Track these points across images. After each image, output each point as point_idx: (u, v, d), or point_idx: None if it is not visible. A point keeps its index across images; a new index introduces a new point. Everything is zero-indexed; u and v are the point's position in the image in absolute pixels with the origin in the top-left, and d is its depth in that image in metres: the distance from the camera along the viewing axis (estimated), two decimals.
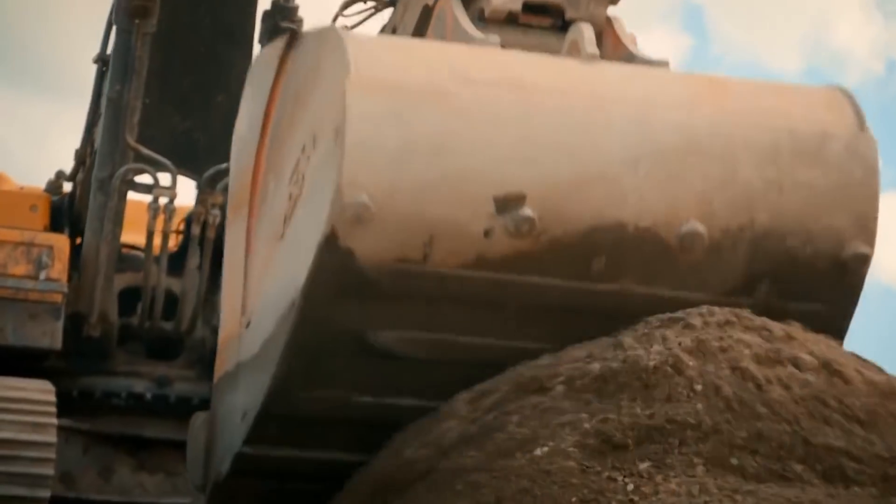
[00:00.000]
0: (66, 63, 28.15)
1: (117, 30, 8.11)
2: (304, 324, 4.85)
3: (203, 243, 8.43)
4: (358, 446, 5.23)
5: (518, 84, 4.85)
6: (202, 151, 8.56)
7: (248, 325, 5.43)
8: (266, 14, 8.50)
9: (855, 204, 5.08)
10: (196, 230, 8.45)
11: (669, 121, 4.92)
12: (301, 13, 8.49)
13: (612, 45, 5.38)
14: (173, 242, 8.57)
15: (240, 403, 5.41)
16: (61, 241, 8.29)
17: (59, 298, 8.08)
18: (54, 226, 8.75)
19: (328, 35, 5.04)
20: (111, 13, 8.38)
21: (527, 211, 4.76)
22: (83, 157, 8.75)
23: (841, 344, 5.06)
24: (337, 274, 4.73)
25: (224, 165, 8.50)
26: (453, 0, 5.33)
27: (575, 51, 5.22)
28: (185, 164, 8.36)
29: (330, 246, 4.67)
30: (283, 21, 8.33)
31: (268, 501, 5.65)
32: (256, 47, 8.56)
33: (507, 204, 4.76)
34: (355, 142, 4.61)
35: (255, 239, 5.56)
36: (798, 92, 5.24)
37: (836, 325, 5.16)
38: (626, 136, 4.85)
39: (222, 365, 5.79)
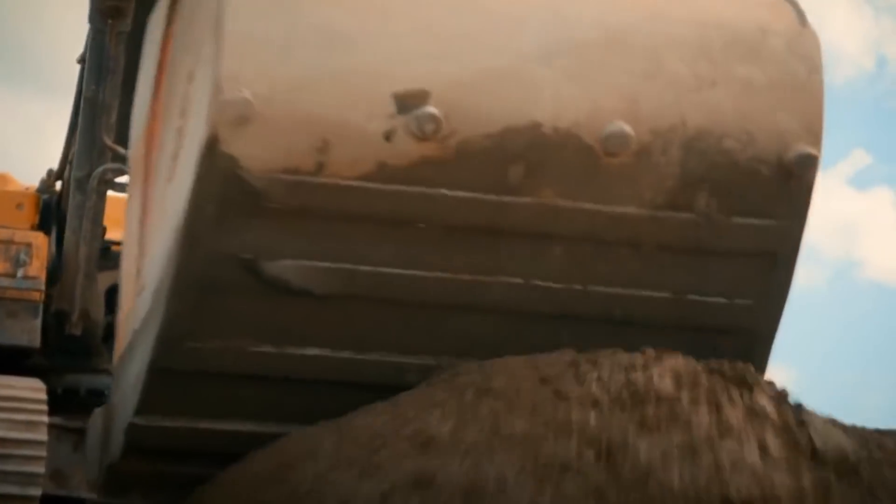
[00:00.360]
0: (64, 62, 28.35)
1: (92, 29, 7.96)
2: (189, 251, 4.44)
3: None
4: (266, 414, 4.78)
5: None
6: None
7: (141, 291, 4.97)
8: None
9: (798, 103, 4.62)
10: None
11: (588, 12, 4.53)
12: None
13: None
14: None
15: (133, 373, 4.96)
16: (40, 239, 8.14)
17: (37, 296, 7.95)
18: (43, 224, 8.61)
19: None
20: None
21: (431, 109, 4.38)
22: (68, 155, 8.61)
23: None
24: (221, 186, 4.33)
25: None
26: None
27: None
28: None
29: (211, 152, 4.27)
30: None
31: (165, 491, 5.15)
32: None
33: (408, 102, 4.37)
34: (234, 31, 4.25)
35: (150, 201, 5.16)
36: None
37: (787, 246, 4.71)
38: (539, 27, 4.45)
39: (120, 344, 5.34)
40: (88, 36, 8.30)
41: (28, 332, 7.91)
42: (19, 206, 8.71)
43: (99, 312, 8.18)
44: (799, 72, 4.63)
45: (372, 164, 4.44)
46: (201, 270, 4.50)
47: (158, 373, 4.70)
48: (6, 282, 7.88)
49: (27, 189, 9.27)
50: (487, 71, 4.44)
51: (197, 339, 4.64)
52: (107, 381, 8.27)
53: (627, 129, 4.50)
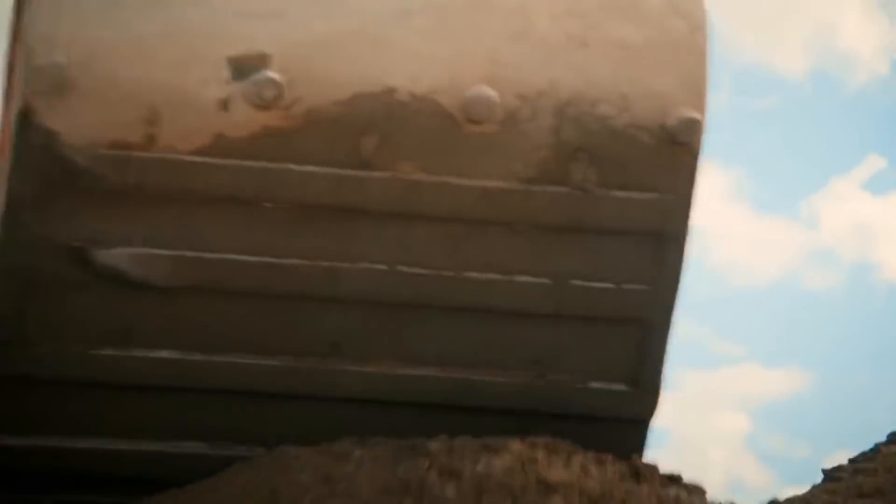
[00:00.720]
0: None
1: None
2: (10, 238, 3.99)
3: None
4: (119, 429, 4.32)
5: None
6: None
7: None
8: None
9: (679, 64, 4.22)
10: None
11: None
12: None
13: None
14: None
15: None
16: None
17: None
18: None
19: None
20: None
21: (271, 74, 3.96)
22: None
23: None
24: (39, 164, 3.89)
25: None
26: None
27: None
28: None
29: (26, 125, 3.84)
30: None
31: None
32: None
33: (245, 66, 3.96)
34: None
35: None
36: None
37: (675, 223, 4.29)
38: None
39: None
40: None
41: None
42: None
43: None
44: (679, 30, 4.24)
45: (208, 136, 4.01)
46: (24, 261, 4.04)
47: None
48: None
49: None
50: (336, 31, 4.04)
51: (26, 342, 4.17)
52: None
53: (491, 93, 4.09)
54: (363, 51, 4.03)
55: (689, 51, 4.22)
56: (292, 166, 4.08)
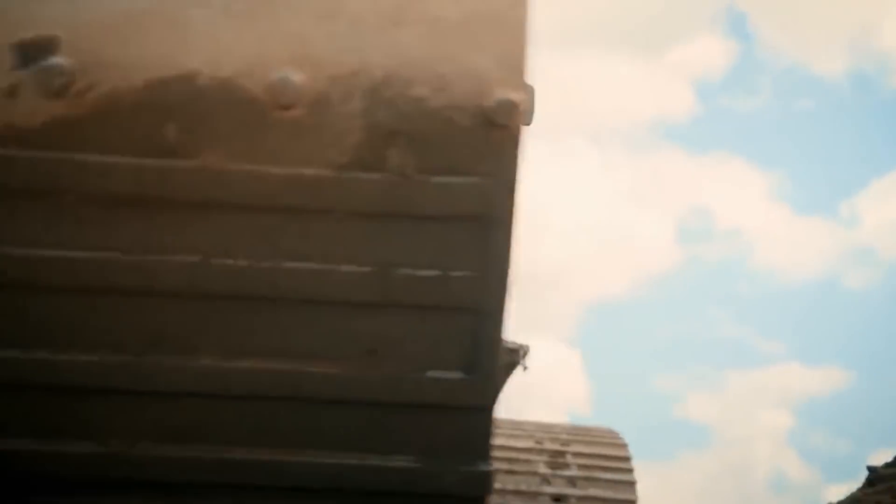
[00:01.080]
0: None
1: None
2: None
3: None
4: None
5: None
6: None
7: None
8: None
9: (498, 41, 4.01)
10: None
11: None
12: None
13: None
14: None
15: None
16: None
17: None
18: None
19: None
20: None
21: (60, 59, 3.75)
22: None
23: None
24: None
25: None
26: None
27: None
28: None
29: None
30: None
31: None
32: None
33: (31, 52, 3.75)
34: None
35: None
36: None
37: (498, 208, 4.12)
38: None
39: None
40: None
41: None
42: None
43: None
44: (498, 5, 4.05)
45: None
46: None
47: None
48: None
49: None
50: (131, 11, 3.82)
51: None
52: None
53: (299, 76, 3.89)
54: (161, 33, 3.83)
55: (508, 27, 4.01)
56: (90, 156, 3.88)
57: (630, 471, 13.13)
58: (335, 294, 4.21)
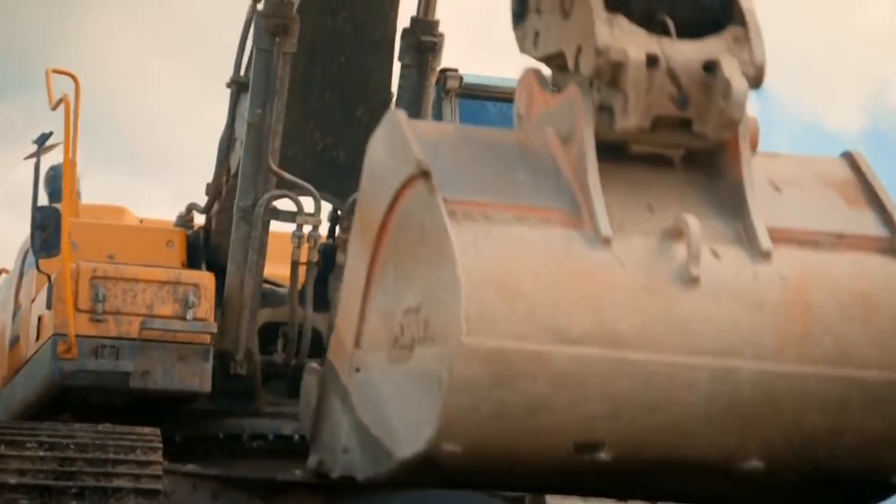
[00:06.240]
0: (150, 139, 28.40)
1: (257, 50, 7.63)
2: None
3: None
4: None
5: (611, 339, 4.56)
6: (343, 170, 7.95)
7: (356, 370, 5.14)
8: (406, 31, 7.97)
9: None
10: (341, 259, 7.86)
11: (749, 374, 4.60)
12: (441, 28, 7.99)
13: (727, 161, 4.79)
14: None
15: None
16: (206, 279, 7.79)
17: (207, 339, 7.62)
18: (191, 261, 8.32)
19: (438, 225, 4.59)
20: (242, 35, 8.02)
21: (603, 455, 4.55)
22: (218, 188, 8.30)
23: None
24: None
25: None
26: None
27: (678, 235, 4.62)
28: (325, 184, 7.84)
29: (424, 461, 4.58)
30: (424, 36, 7.90)
31: None
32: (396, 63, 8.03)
33: (585, 450, 4.55)
34: (452, 405, 4.44)
35: (373, 287, 5.18)
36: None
37: None
38: (707, 392, 4.56)
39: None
40: (241, 58, 8.07)
41: (199, 376, 7.55)
42: (169, 243, 8.39)
43: (257, 352, 7.87)
44: None
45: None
46: None
47: None
48: (176, 324, 7.53)
49: (142, 222, 9.07)
50: (656, 427, 4.60)
51: None
52: (270, 425, 7.99)
53: (761, 465, 4.68)
54: (673, 439, 4.57)
55: None
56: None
57: None
58: None
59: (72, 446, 6.85)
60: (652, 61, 4.54)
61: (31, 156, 8.49)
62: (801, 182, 4.95)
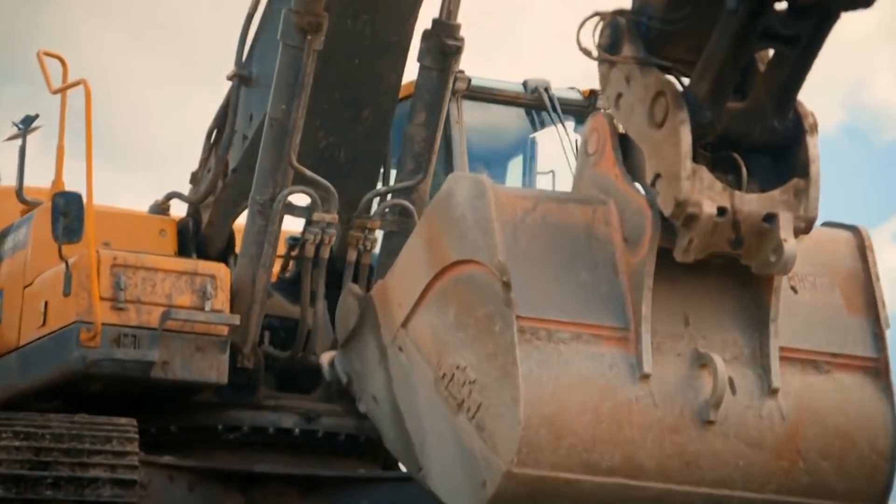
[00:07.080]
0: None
1: (284, 46, 7.56)
2: None
3: (358, 270, 7.95)
4: None
5: (633, 471, 5.26)
6: (342, 170, 8.01)
7: (400, 349, 5.72)
8: (427, 33, 8.04)
9: None
10: (352, 256, 7.97)
11: (737, 500, 5.35)
12: (462, 32, 8.05)
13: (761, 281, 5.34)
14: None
15: None
16: (222, 271, 7.75)
17: (224, 331, 7.59)
18: (181, 251, 8.31)
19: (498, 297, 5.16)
20: (244, 28, 8.04)
21: None
22: (214, 181, 8.28)
23: None
24: None
25: (383, 189, 8.12)
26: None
27: (705, 366, 5.28)
28: (327, 180, 7.82)
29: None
30: (447, 39, 7.99)
31: None
32: (411, 64, 8.09)
33: None
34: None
35: (431, 300, 5.63)
36: None
37: None
38: None
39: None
40: (242, 52, 8.06)
41: (216, 368, 7.52)
42: (162, 232, 8.37)
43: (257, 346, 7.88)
44: None
45: None
46: None
47: None
48: (200, 315, 7.49)
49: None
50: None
51: None
52: (271, 418, 7.98)
53: None
54: None
55: None
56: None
57: None
58: None
59: (47, 436, 6.80)
60: (721, 212, 5.03)
61: (12, 137, 8.34)
62: (815, 279, 5.56)
